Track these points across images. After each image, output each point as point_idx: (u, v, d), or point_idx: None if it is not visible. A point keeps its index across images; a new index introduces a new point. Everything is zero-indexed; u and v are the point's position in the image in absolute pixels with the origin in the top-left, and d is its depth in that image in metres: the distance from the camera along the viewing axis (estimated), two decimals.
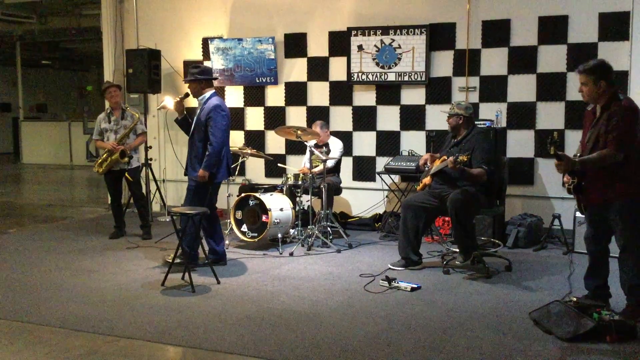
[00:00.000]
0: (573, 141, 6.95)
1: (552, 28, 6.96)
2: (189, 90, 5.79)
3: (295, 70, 8.18)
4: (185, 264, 5.22)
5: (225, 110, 5.63)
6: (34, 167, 16.42)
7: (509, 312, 4.50)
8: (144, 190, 7.51)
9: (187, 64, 8.63)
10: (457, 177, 5.48)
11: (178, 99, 5.80)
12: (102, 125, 7.05)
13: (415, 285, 5.05)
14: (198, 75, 5.65)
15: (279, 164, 7.77)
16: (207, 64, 8.51)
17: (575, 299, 4.25)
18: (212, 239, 5.83)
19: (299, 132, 6.67)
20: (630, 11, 6.60)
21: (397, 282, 5.09)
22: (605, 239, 4.51)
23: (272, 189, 7.01)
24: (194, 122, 5.74)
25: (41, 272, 5.67)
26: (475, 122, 6.18)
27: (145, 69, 8.17)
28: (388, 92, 7.74)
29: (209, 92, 5.68)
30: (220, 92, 8.57)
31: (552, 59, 6.99)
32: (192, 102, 8.77)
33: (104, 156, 6.96)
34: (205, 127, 5.58)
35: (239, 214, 6.63)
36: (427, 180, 5.76)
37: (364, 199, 7.92)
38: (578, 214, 6.28)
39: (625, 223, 4.25)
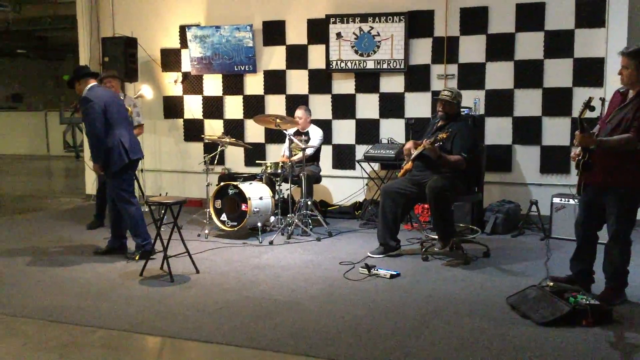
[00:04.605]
0: (551, 128, 7.02)
1: (530, 15, 6.99)
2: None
3: (274, 58, 8.13)
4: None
5: (95, 100, 5.49)
6: (10, 158, 16.19)
7: (486, 297, 4.54)
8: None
9: (164, 52, 8.55)
10: (436, 160, 5.49)
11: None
12: None
13: (395, 273, 5.07)
14: (72, 77, 5.72)
15: (257, 161, 7.70)
16: (184, 51, 8.46)
17: (551, 283, 4.31)
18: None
19: (278, 120, 6.64)
20: None
21: (377, 270, 5.10)
22: (597, 225, 4.51)
23: (251, 177, 6.99)
24: None
25: (18, 263, 5.60)
26: None
27: (122, 57, 8.07)
28: (367, 80, 7.73)
29: (87, 87, 5.64)
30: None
31: (529, 46, 7.03)
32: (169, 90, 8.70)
33: None
34: None
35: (218, 203, 6.59)
36: (408, 165, 5.75)
37: (344, 187, 7.92)
38: (556, 199, 6.36)
39: (622, 211, 4.25)
